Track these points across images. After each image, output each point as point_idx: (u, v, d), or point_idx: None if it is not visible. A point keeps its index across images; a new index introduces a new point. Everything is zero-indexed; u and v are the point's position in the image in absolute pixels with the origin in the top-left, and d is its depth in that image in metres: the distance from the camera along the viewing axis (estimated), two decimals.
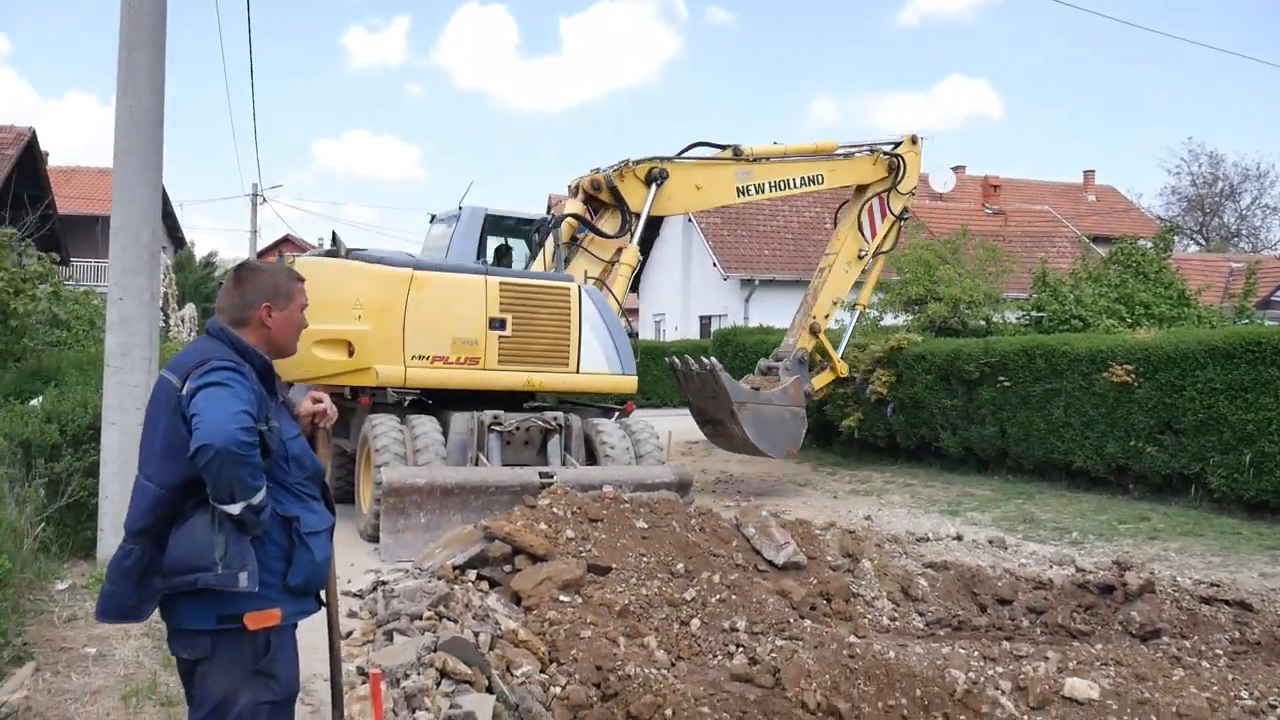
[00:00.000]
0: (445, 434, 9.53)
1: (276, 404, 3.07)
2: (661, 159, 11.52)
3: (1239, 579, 7.71)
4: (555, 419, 10.06)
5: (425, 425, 9.39)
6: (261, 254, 43.53)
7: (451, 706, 4.68)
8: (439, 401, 10.13)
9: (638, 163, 11.37)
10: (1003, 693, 5.50)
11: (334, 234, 11.13)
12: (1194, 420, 10.48)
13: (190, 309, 31.31)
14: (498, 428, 9.71)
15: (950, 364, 13.54)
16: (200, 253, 51.14)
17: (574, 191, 11.61)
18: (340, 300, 9.69)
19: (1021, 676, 5.69)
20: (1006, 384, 12.70)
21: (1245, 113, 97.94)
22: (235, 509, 2.72)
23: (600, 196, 11.33)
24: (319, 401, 3.32)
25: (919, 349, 14.24)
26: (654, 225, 34.59)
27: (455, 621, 5.85)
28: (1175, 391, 10.72)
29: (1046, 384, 12.22)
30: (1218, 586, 7.54)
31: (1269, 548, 8.74)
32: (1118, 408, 11.27)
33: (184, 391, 2.83)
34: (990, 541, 9.16)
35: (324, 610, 3.27)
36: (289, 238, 52.62)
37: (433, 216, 12.57)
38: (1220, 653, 6.69)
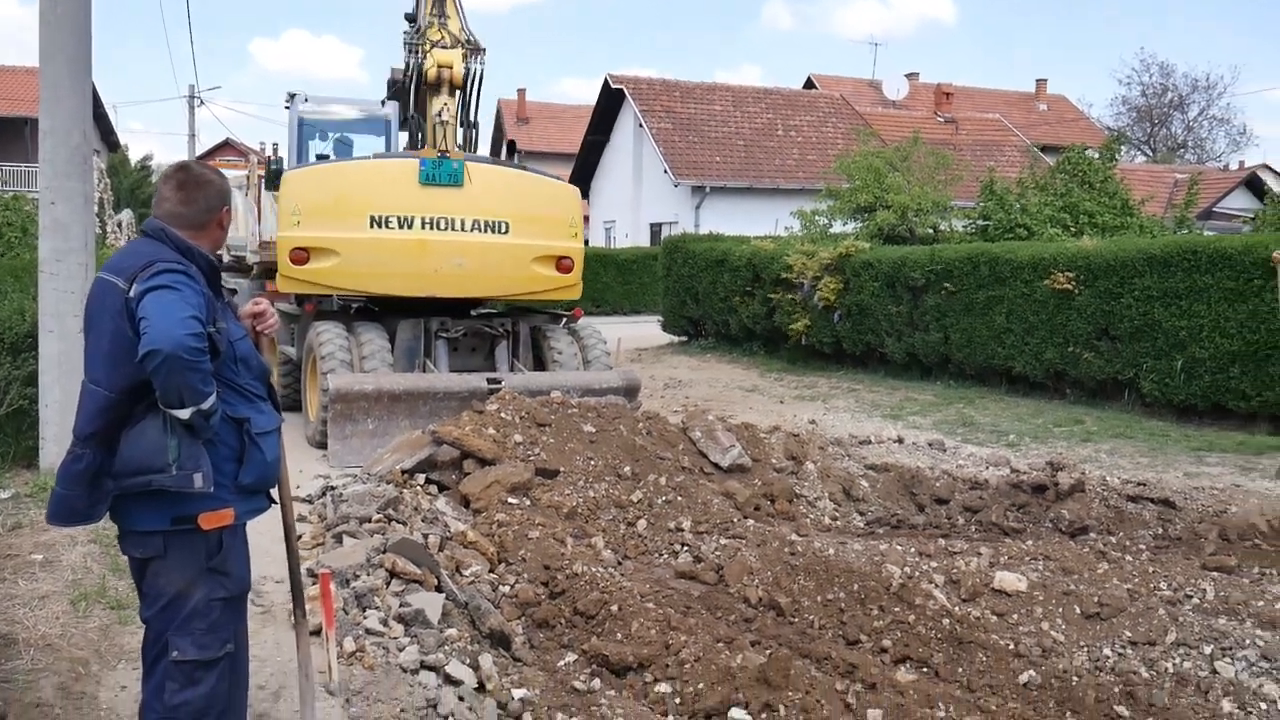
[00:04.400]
0: (391, 341, 9.49)
1: (222, 305, 3.05)
2: None
3: (1165, 479, 8.02)
4: (502, 325, 10.05)
5: (371, 332, 9.34)
6: (201, 159, 42.29)
7: (401, 605, 4.77)
8: (385, 308, 10.06)
9: None
10: (936, 586, 5.72)
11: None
12: (1130, 327, 10.74)
13: (127, 214, 30.49)
14: (445, 334, 9.69)
15: (897, 271, 13.69)
16: (135, 156, 49.59)
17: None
18: (557, 218, 9.80)
19: (955, 571, 5.92)
20: (951, 291, 12.88)
21: (1199, 23, 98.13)
22: (184, 414, 2.72)
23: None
24: (258, 304, 3.31)
25: (866, 256, 14.36)
26: (604, 129, 34.19)
27: (404, 524, 5.92)
28: (1113, 299, 10.95)
29: (990, 291, 12.42)
30: (1144, 486, 7.85)
31: (1195, 449, 9.08)
32: (1058, 314, 11.51)
33: (131, 294, 2.78)
34: (930, 444, 9.40)
35: (275, 513, 3.30)
36: (229, 141, 51.11)
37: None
38: (1143, 547, 6.99)
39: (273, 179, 9.80)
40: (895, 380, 13.74)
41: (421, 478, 6.96)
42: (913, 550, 6.47)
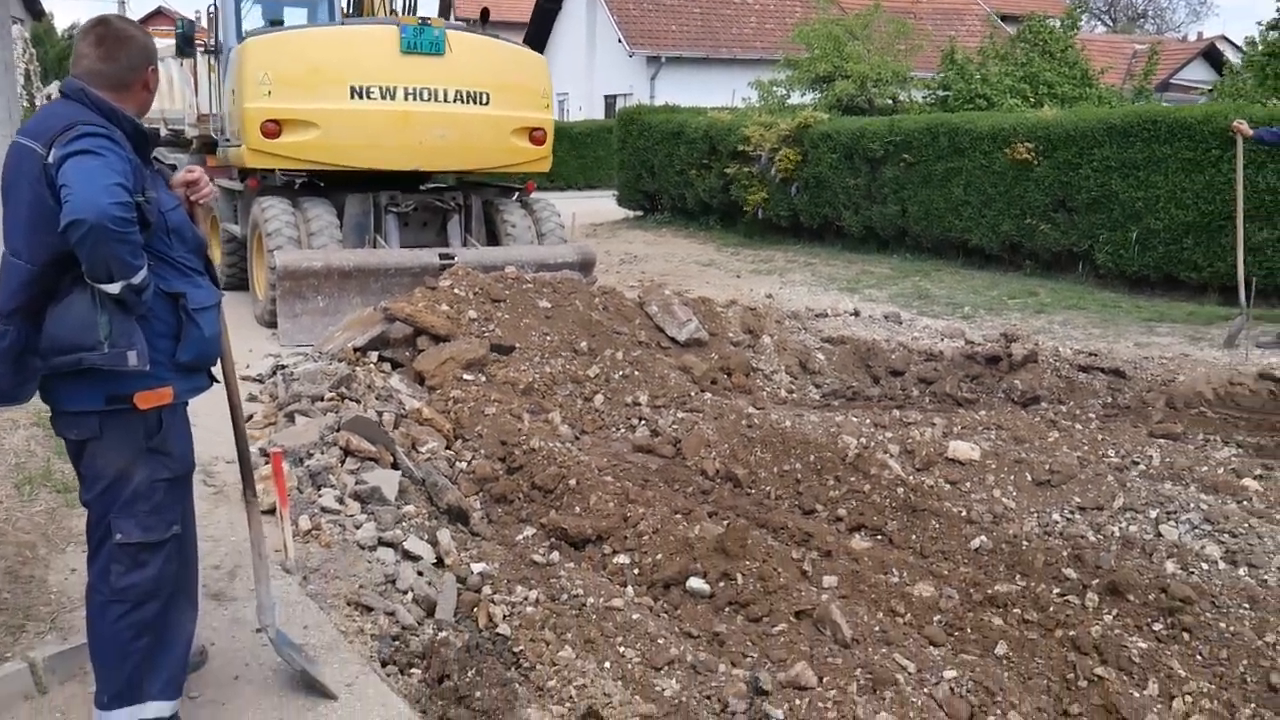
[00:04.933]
0: (340, 216, 9.23)
1: (151, 174, 2.86)
2: None
3: (1115, 349, 8.12)
4: (454, 199, 9.80)
5: (319, 208, 9.06)
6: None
7: (357, 483, 4.73)
8: (331, 183, 9.75)
9: None
10: (891, 456, 5.78)
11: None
12: (1087, 198, 10.72)
13: (56, 86, 29.13)
14: (395, 209, 9.43)
15: (855, 143, 13.50)
16: (61, 25, 47.12)
17: None
18: (531, 88, 9.52)
19: (909, 441, 5.98)
20: (910, 163, 12.75)
21: None
22: (114, 288, 2.56)
23: None
24: (191, 171, 3.12)
25: (825, 128, 14.12)
26: None
27: (358, 402, 5.84)
28: (1072, 170, 10.89)
29: (948, 163, 12.30)
30: (1095, 355, 7.94)
31: (1146, 319, 9.19)
32: (1015, 186, 11.45)
33: (50, 160, 2.58)
34: (886, 317, 9.42)
35: (221, 391, 3.18)
36: (161, 10, 48.66)
37: None
38: (1093, 416, 7.11)
39: (183, 44, 9.32)
40: (852, 254, 13.70)
41: (375, 355, 6.85)
42: (868, 422, 6.53)
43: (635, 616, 3.87)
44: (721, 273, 12.58)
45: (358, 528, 4.31)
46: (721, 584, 4.16)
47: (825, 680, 3.43)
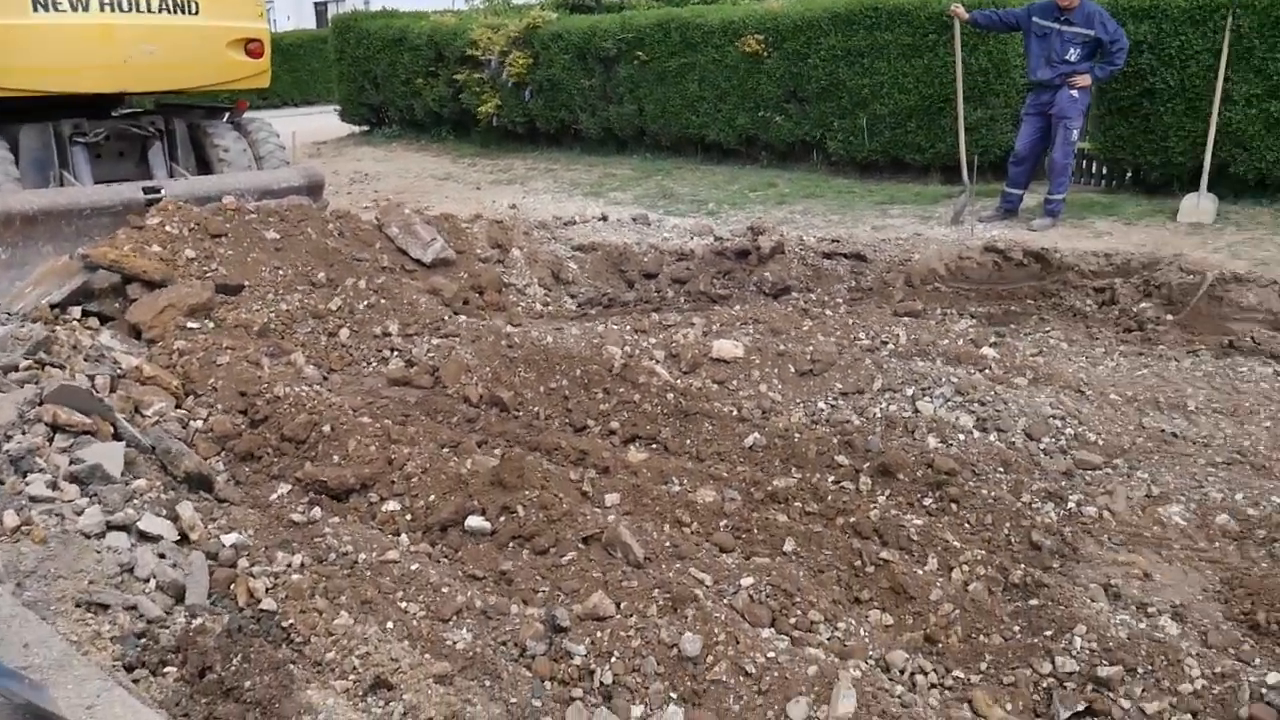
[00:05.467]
0: (14, 152, 8.01)
1: None
2: None
3: (855, 234, 8.39)
4: (153, 124, 8.74)
5: None
6: None
7: (72, 462, 4.09)
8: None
9: None
10: (657, 362, 5.70)
11: None
12: (817, 88, 10.96)
13: None
14: (82, 139, 8.30)
15: (587, 42, 13.18)
16: None
17: None
18: None
19: (673, 345, 5.91)
20: (643, 60, 12.59)
21: None
22: None
23: None
24: None
25: (555, 28, 13.70)
26: None
27: (63, 368, 5.08)
28: (801, 60, 11.08)
29: (682, 58, 12.23)
30: (837, 242, 8.18)
31: (878, 203, 9.57)
32: (748, 79, 11.55)
33: None
34: (634, 219, 9.32)
35: None
36: None
37: None
38: (840, 301, 7.34)
39: None
40: (592, 157, 13.51)
41: (77, 311, 6.01)
42: (628, 328, 6.42)
43: (414, 567, 3.58)
44: (460, 186, 12.07)
45: (79, 514, 3.72)
46: (502, 518, 3.93)
47: (624, 606, 3.29)
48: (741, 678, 2.83)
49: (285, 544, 3.79)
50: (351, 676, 3.02)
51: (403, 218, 7.65)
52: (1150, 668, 2.88)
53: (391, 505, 4.14)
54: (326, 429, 4.63)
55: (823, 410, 5.20)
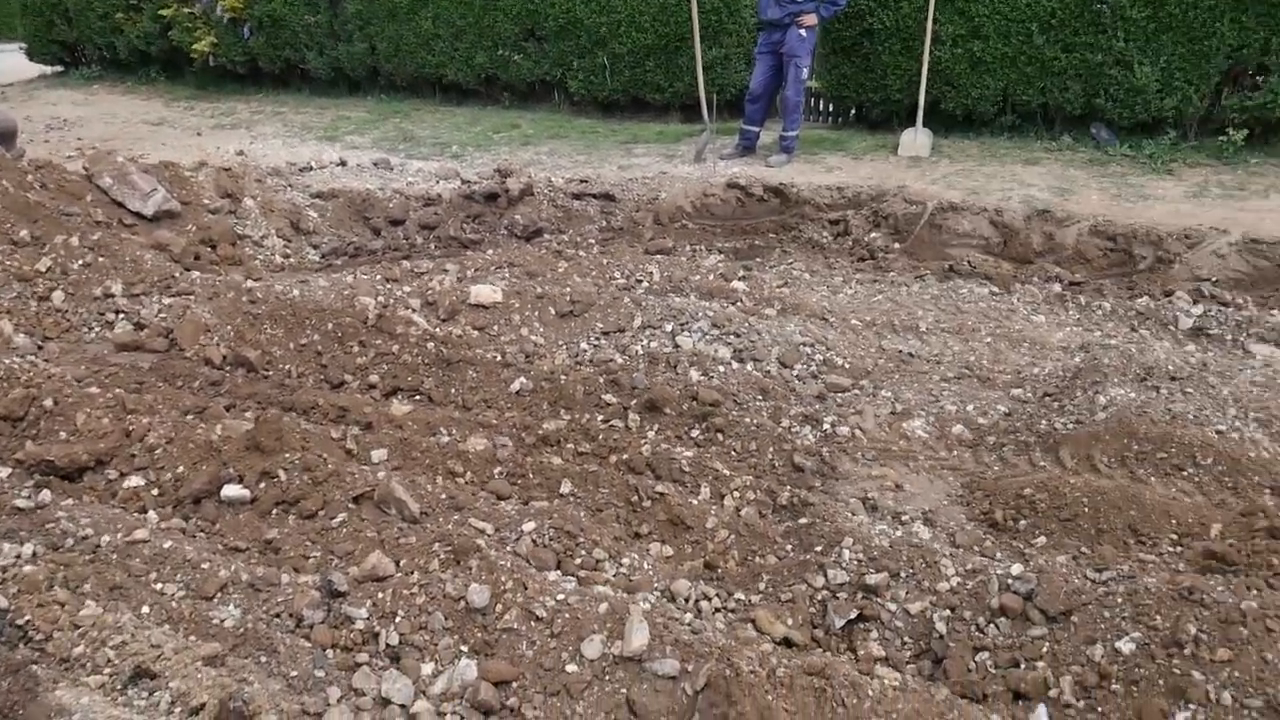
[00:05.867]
0: None
1: None
2: None
3: (602, 173, 8.42)
4: None
5: None
6: None
7: None
8: None
9: None
10: (414, 310, 5.51)
11: None
12: (555, 25, 10.82)
13: None
14: None
15: None
16: None
17: None
18: None
19: (429, 292, 5.73)
20: None
21: None
22: None
23: None
24: None
25: None
26: None
27: None
28: None
29: None
30: (586, 182, 8.18)
31: (622, 142, 9.63)
32: (485, 16, 11.24)
33: None
34: (375, 164, 8.94)
35: None
36: None
37: None
38: (593, 241, 7.36)
39: None
40: (323, 99, 12.80)
41: None
42: (379, 277, 6.17)
43: (167, 545, 3.31)
44: (178, 131, 11.12)
45: None
46: (263, 485, 3.69)
47: (404, 564, 3.19)
48: (533, 623, 2.81)
49: (11, 534, 3.39)
50: (107, 669, 2.75)
51: (116, 167, 6.95)
52: (912, 571, 3.10)
53: (134, 481, 3.80)
54: (48, 403, 4.17)
55: (586, 350, 5.22)
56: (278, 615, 3.03)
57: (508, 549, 3.24)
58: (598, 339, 5.31)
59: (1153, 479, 3.73)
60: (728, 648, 2.61)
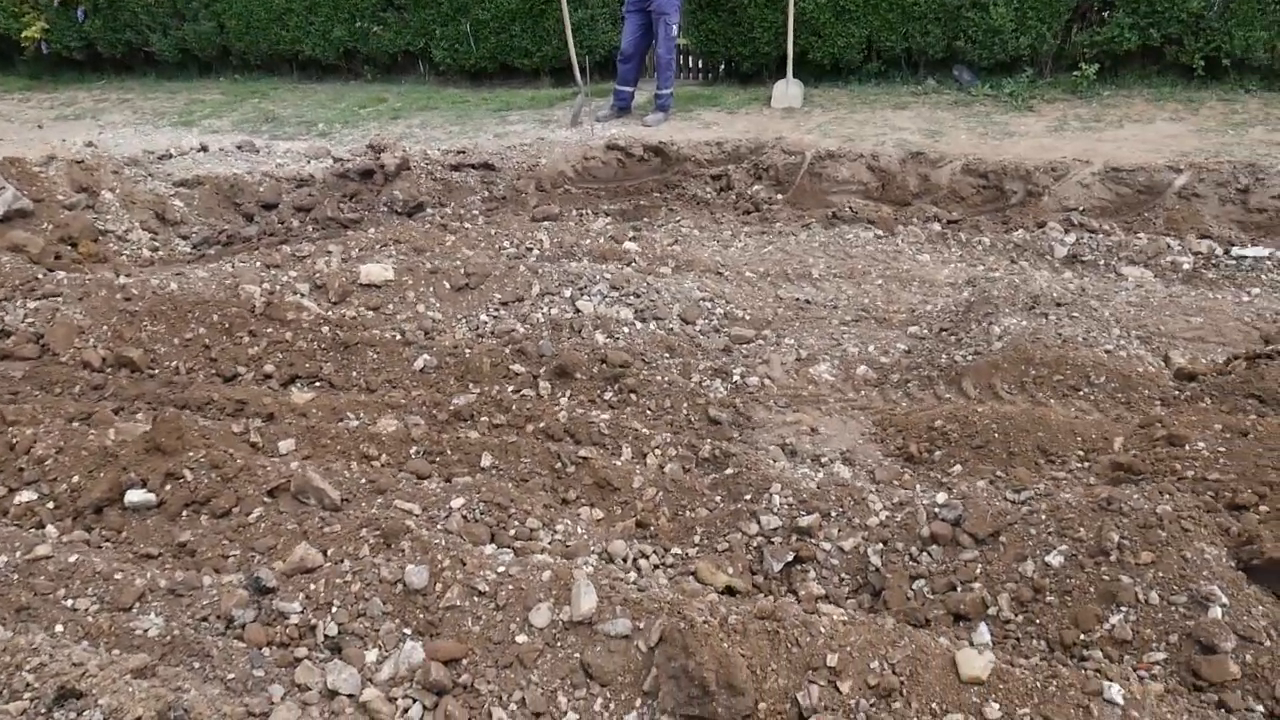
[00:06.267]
0: None
1: None
2: None
3: (479, 144, 8.26)
4: None
5: None
6: None
7: None
8: None
9: None
10: (303, 295, 5.34)
11: None
12: None
13: None
14: None
15: None
16: None
17: None
18: None
19: (316, 275, 5.55)
20: None
21: None
22: None
23: None
24: None
25: None
26: None
27: None
28: None
29: None
30: (464, 153, 8.02)
31: (496, 110, 9.45)
32: None
33: None
34: (239, 147, 8.57)
35: None
36: None
37: None
38: (477, 213, 7.24)
39: None
40: (173, 83, 12.18)
41: None
42: (259, 264, 5.94)
43: (73, 559, 3.14)
44: (16, 125, 10.44)
45: None
46: (168, 487, 3.53)
47: (332, 553, 3.10)
48: (476, 598, 2.77)
49: None
50: (27, 695, 2.60)
51: None
52: (841, 509, 3.17)
53: (26, 495, 3.58)
54: None
55: (486, 322, 5.14)
56: (205, 619, 2.91)
57: (439, 527, 3.18)
58: (497, 310, 5.24)
59: (1052, 401, 3.90)
60: (676, 601, 2.62)
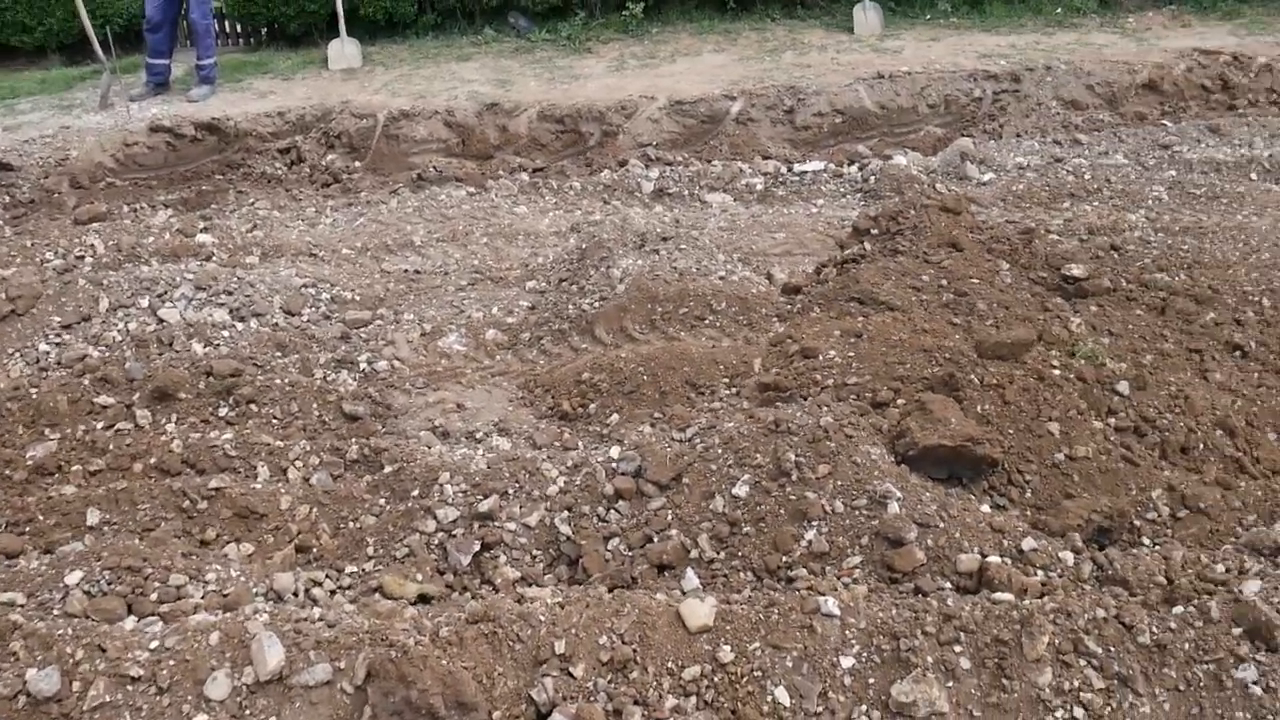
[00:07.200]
0: None
1: None
2: None
3: None
4: None
5: None
6: None
7: None
8: None
9: None
10: None
11: None
12: None
13: None
14: None
15: None
16: None
17: None
18: None
19: None
20: None
21: None
22: None
23: None
24: None
25: None
26: None
27: None
28: None
29: None
30: None
31: (1, 100, 8.05)
32: None
33: None
34: None
35: None
36: None
37: None
38: (3, 223, 6.15)
39: None
40: None
41: None
42: None
43: None
44: None
45: None
46: None
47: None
48: (131, 687, 2.32)
49: None
50: None
51: None
52: (518, 484, 3.04)
53: None
54: None
55: (48, 352, 4.36)
56: None
57: (56, 613, 2.63)
58: (59, 335, 4.45)
59: (683, 334, 4.01)
60: (375, 628, 2.36)
